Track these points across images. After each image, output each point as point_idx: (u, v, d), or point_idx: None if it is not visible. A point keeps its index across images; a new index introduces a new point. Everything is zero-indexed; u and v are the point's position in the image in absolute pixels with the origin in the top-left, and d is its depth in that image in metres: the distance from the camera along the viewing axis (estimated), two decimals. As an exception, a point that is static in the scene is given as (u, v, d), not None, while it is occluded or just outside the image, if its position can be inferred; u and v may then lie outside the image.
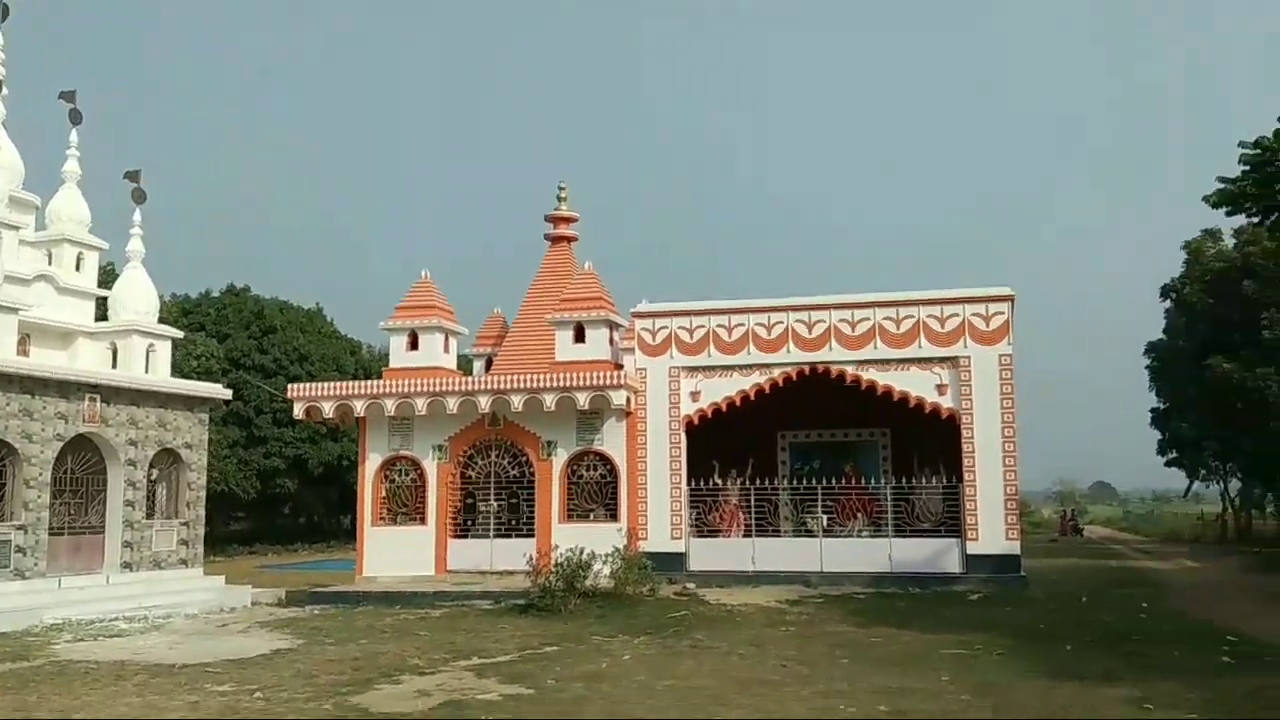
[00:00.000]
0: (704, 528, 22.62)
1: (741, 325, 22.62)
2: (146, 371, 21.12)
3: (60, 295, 20.84)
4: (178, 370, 26.15)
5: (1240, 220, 28.87)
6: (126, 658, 13.93)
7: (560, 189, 26.90)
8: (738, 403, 22.52)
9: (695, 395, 22.65)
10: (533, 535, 22.20)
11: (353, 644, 14.95)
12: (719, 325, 22.72)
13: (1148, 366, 41.78)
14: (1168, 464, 45.50)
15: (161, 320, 22.81)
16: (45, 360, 19.68)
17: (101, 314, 22.19)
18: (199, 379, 27.50)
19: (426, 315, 23.66)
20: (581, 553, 18.75)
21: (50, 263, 21.03)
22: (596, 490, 22.69)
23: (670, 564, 21.43)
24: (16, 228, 20.03)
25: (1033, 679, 11.56)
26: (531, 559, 19.43)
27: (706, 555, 22.14)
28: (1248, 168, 23.85)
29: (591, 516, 22.47)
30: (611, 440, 22.58)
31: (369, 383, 23.63)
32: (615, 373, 22.09)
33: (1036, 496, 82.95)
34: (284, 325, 41.10)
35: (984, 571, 20.68)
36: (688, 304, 23.15)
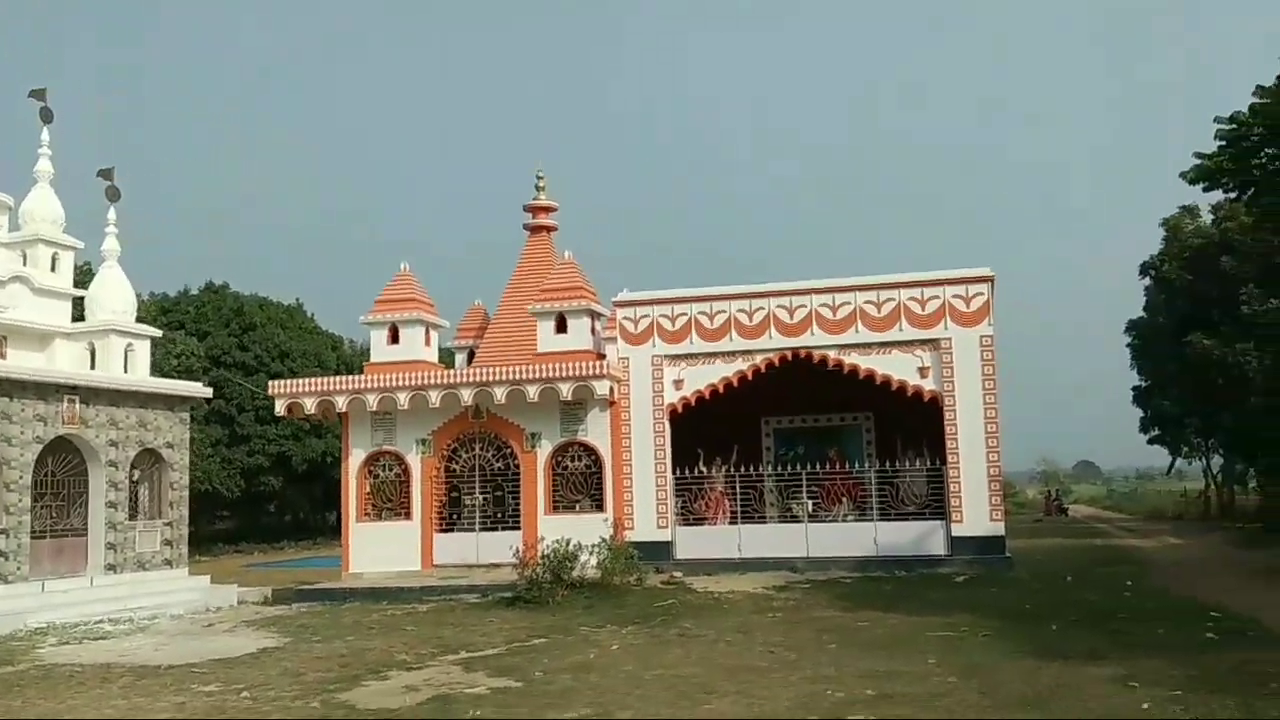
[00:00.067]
0: (690, 516, 22.62)
1: (723, 312, 22.61)
2: (125, 371, 20.97)
3: (36, 296, 20.66)
4: (158, 369, 26.01)
5: (1218, 196, 29.04)
6: (112, 660, 13.85)
7: (539, 178, 26.75)
8: (721, 390, 22.52)
9: (678, 383, 22.65)
10: (518, 528, 22.18)
11: (339, 641, 14.90)
12: (700, 312, 22.70)
13: (1129, 345, 41.99)
14: (1150, 442, 45.76)
15: (140, 319, 22.67)
16: (22, 362, 19.52)
17: (78, 314, 22.04)
18: (179, 378, 27.38)
19: (407, 308, 23.57)
20: (568, 544, 18.75)
21: (25, 263, 20.85)
22: (582, 481, 22.67)
23: (657, 553, 21.44)
24: (-10, 229, 19.86)
25: (1018, 659, 11.60)
26: (518, 551, 19.40)
27: (693, 544, 22.16)
28: (1224, 143, 23.97)
29: (577, 507, 22.45)
30: (596, 430, 22.56)
31: (350, 378, 23.52)
32: (598, 363, 22.05)
33: (1021, 477, 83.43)
34: (264, 322, 40.91)
35: (969, 553, 20.75)
36: (669, 292, 23.11)
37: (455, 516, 23.23)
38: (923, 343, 21.69)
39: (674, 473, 22.43)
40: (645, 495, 22.29)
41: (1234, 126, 23.63)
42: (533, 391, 21.80)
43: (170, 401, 21.59)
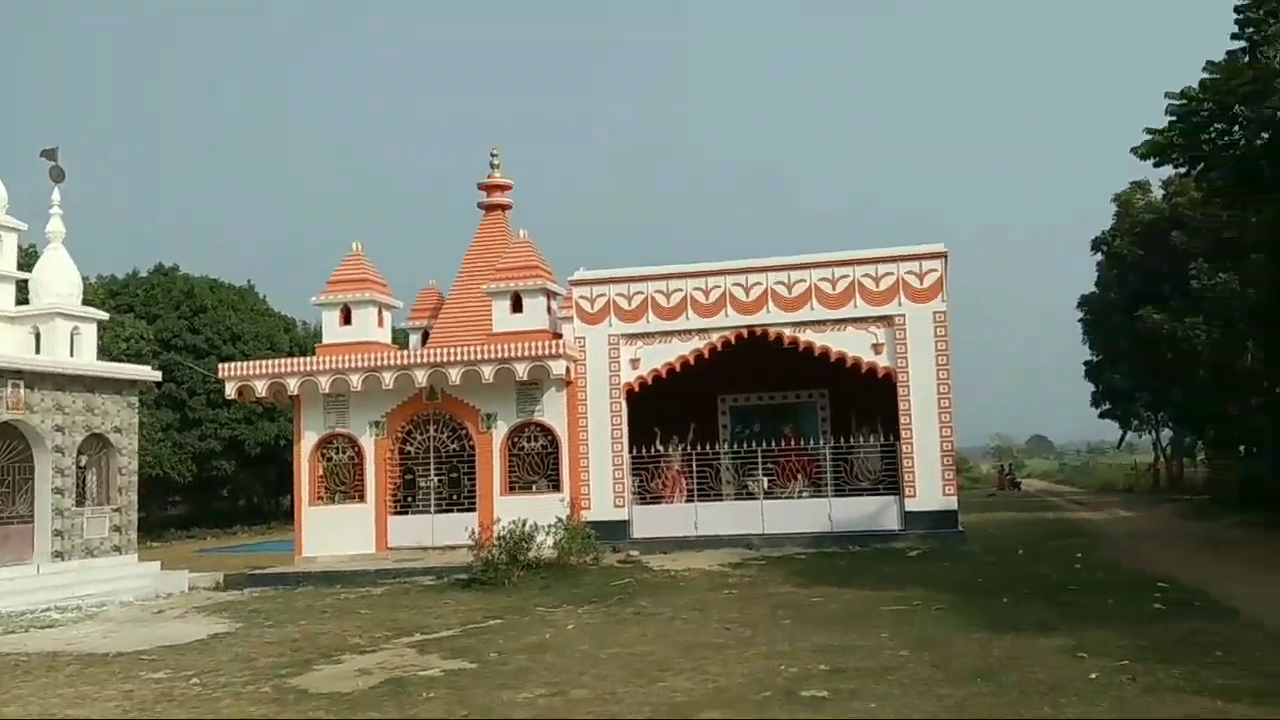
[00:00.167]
0: (647, 495, 22.61)
1: (679, 290, 22.56)
2: (72, 355, 20.56)
3: (-23, 280, 20.21)
4: (106, 353, 25.58)
5: (1168, 171, 29.37)
6: (59, 648, 13.63)
7: (493, 155, 26.52)
8: (677, 369, 22.50)
9: (635, 362, 22.59)
10: (474, 509, 22.05)
11: (292, 625, 14.76)
12: (657, 291, 22.64)
13: (1080, 320, 42.47)
14: (1102, 416, 46.42)
15: (87, 302, 22.26)
16: (-36, 347, 19.10)
17: (23, 298, 21.58)
18: (128, 361, 26.89)
19: (359, 289, 23.30)
20: (524, 525, 18.66)
21: (-35, 247, 20.37)
22: (538, 461, 22.58)
23: (614, 532, 21.42)
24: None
25: (971, 632, 11.70)
26: (474, 533, 19.32)
27: (649, 522, 22.16)
28: (1175, 119, 24.20)
29: (534, 488, 22.36)
30: (552, 411, 22.46)
31: (302, 360, 23.25)
32: (554, 342, 21.93)
33: (975, 452, 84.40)
34: (215, 304, 40.34)
35: (922, 528, 20.90)
36: (625, 271, 23.02)
37: (410, 499, 23.05)
38: (877, 319, 21.76)
39: (631, 452, 22.40)
40: (602, 475, 22.25)
41: (1184, 102, 23.88)
42: (488, 372, 21.65)
43: (118, 385, 21.22)
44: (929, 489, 21.20)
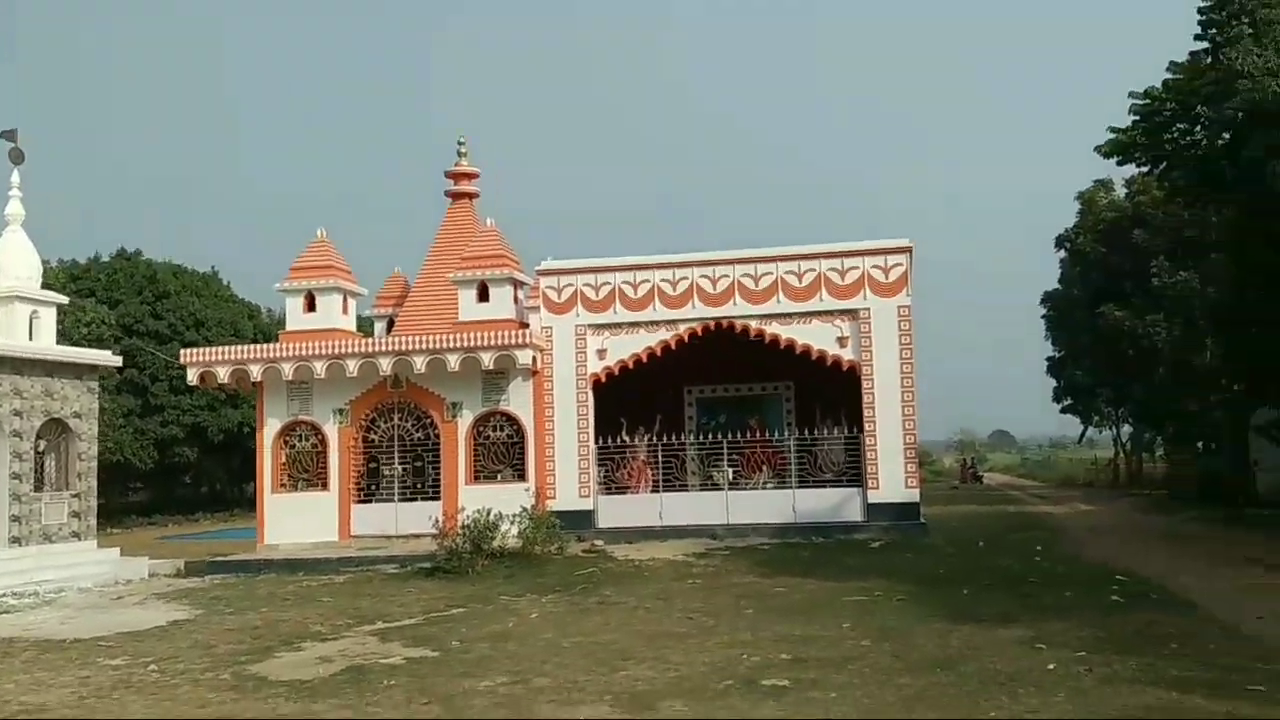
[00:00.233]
0: (612, 485, 22.61)
1: (647, 281, 22.56)
2: (30, 339, 20.26)
3: (-66, 261, 19.88)
4: (66, 338, 25.24)
5: (1131, 170, 29.69)
6: (15, 634, 13.47)
7: (460, 143, 26.39)
8: (644, 359, 22.50)
9: (602, 353, 22.57)
10: (439, 498, 21.96)
11: (253, 613, 14.66)
12: (624, 282, 22.62)
13: (1044, 316, 42.89)
14: (1063, 411, 46.90)
15: (47, 286, 21.91)
16: (-81, 329, 18.79)
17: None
18: (90, 346, 26.54)
19: (324, 275, 23.13)
20: (489, 514, 18.61)
21: (-78, 227, 20.05)
22: (504, 451, 22.52)
23: (579, 522, 21.42)
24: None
25: (931, 623, 11.80)
26: (438, 521, 19.25)
27: (615, 512, 22.17)
28: (1138, 118, 24.46)
29: (499, 477, 22.31)
30: (518, 400, 22.41)
31: (265, 346, 23.04)
32: (520, 331, 21.87)
33: (938, 446, 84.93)
34: (178, 290, 39.86)
35: (885, 519, 21.04)
36: (592, 261, 22.98)
37: (374, 487, 22.94)
38: (842, 313, 21.86)
39: (596, 442, 22.39)
40: (568, 464, 22.23)
41: (1147, 101, 24.13)
42: (454, 361, 21.57)
43: (78, 370, 20.94)
44: (892, 481, 21.34)
